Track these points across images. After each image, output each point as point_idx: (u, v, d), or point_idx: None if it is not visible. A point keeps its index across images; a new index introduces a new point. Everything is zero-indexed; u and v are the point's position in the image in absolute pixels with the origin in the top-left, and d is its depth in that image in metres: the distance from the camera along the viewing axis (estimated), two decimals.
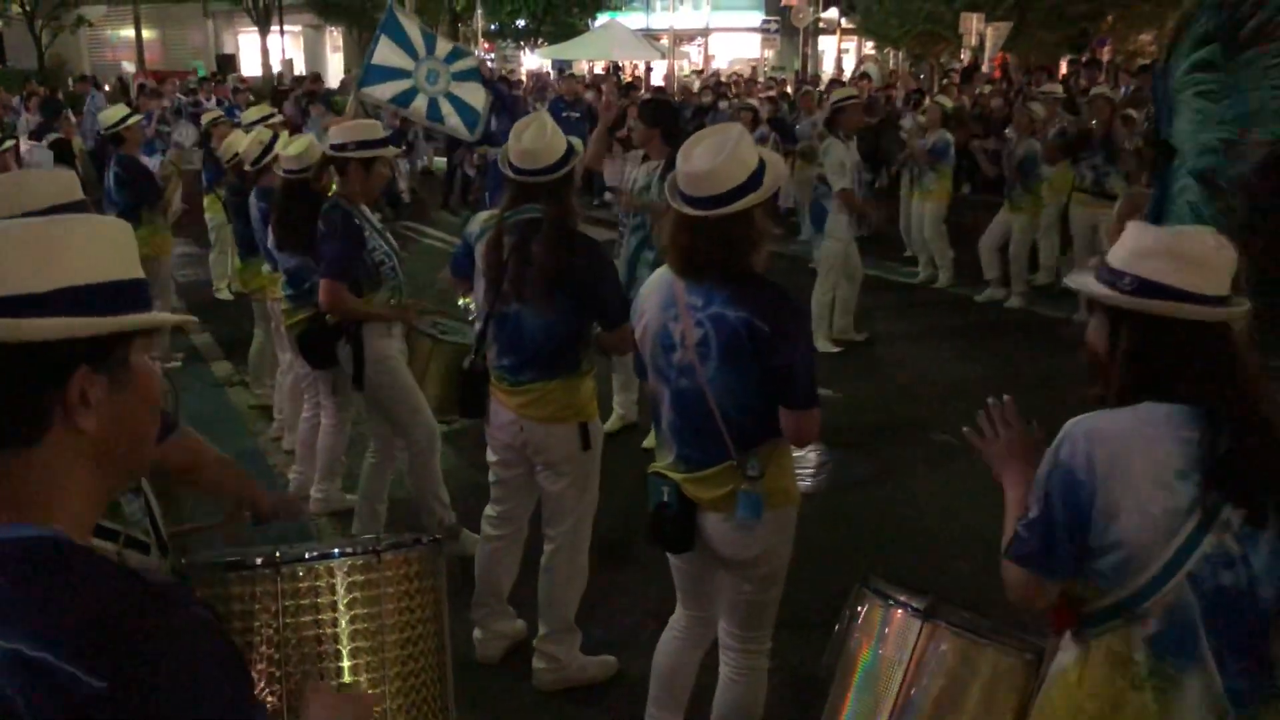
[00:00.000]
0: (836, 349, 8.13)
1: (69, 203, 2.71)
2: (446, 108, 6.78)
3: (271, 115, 7.70)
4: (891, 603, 2.44)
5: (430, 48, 6.84)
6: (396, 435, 4.70)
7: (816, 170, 7.68)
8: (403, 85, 6.80)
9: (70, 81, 23.83)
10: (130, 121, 7.44)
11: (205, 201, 9.44)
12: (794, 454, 5.17)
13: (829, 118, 8.19)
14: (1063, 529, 1.97)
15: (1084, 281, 2.08)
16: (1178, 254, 1.96)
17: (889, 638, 2.44)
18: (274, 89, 19.76)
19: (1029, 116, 9.59)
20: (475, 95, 6.89)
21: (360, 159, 4.40)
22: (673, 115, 6.30)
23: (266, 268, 5.78)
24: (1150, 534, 1.91)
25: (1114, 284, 2.00)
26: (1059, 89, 11.79)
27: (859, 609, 2.54)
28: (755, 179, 2.70)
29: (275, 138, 5.76)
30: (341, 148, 4.42)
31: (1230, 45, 3.61)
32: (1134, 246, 2.01)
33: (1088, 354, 2.09)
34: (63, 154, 10.85)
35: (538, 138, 3.52)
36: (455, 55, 6.99)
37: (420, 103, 6.81)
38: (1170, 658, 1.94)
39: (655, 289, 2.94)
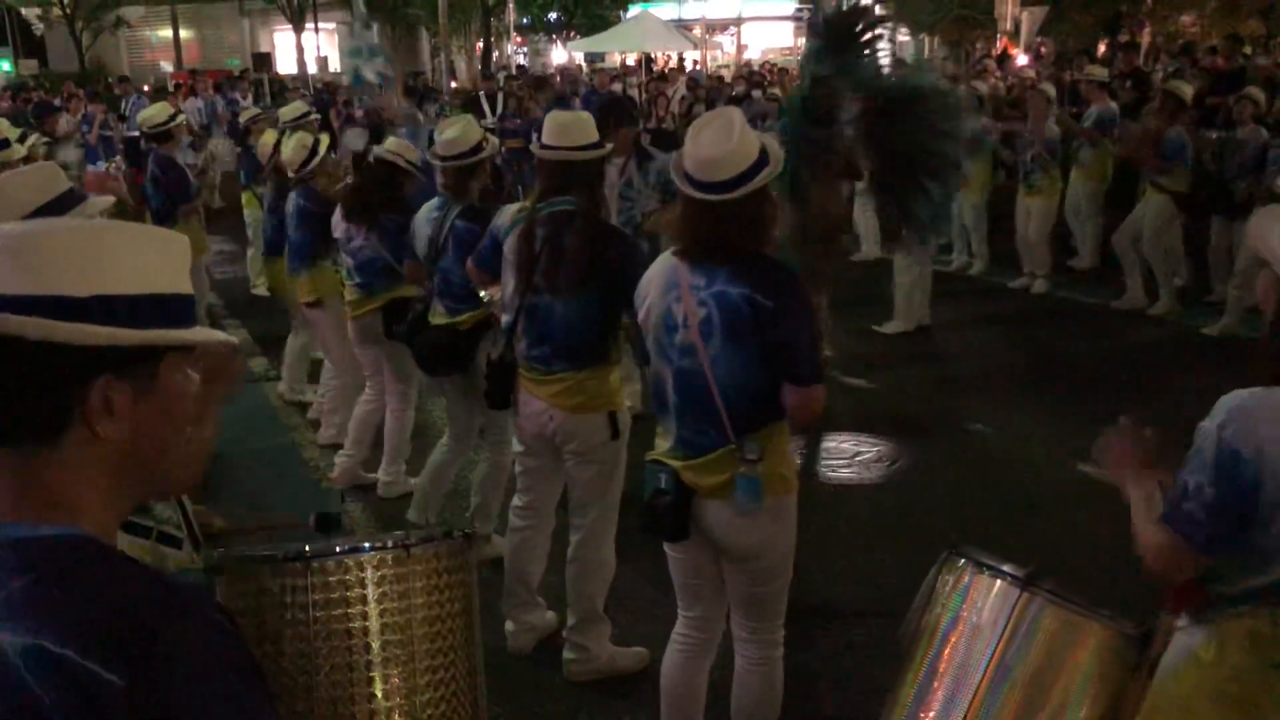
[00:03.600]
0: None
1: (54, 199, 2.62)
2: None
3: (308, 114, 7.78)
4: (988, 570, 2.38)
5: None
6: (485, 438, 4.66)
7: None
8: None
9: (111, 83, 24.13)
10: (178, 120, 7.59)
11: (243, 199, 9.54)
12: (828, 445, 5.10)
13: None
14: (1228, 509, 1.90)
15: (1268, 229, 1.88)
16: None
17: (984, 606, 2.36)
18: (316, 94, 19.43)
19: (1044, 98, 9.50)
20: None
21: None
22: (627, 111, 6.46)
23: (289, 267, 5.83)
24: None
25: None
26: (1101, 72, 11.54)
27: (950, 578, 2.47)
28: (764, 157, 2.76)
29: (317, 142, 5.78)
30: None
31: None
32: None
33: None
34: None
35: (574, 117, 3.83)
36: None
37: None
38: None
39: (658, 273, 2.97)
